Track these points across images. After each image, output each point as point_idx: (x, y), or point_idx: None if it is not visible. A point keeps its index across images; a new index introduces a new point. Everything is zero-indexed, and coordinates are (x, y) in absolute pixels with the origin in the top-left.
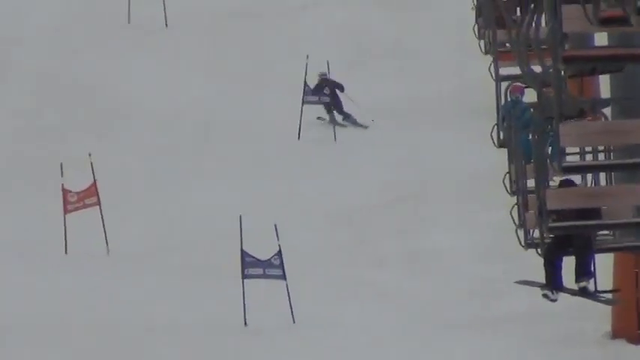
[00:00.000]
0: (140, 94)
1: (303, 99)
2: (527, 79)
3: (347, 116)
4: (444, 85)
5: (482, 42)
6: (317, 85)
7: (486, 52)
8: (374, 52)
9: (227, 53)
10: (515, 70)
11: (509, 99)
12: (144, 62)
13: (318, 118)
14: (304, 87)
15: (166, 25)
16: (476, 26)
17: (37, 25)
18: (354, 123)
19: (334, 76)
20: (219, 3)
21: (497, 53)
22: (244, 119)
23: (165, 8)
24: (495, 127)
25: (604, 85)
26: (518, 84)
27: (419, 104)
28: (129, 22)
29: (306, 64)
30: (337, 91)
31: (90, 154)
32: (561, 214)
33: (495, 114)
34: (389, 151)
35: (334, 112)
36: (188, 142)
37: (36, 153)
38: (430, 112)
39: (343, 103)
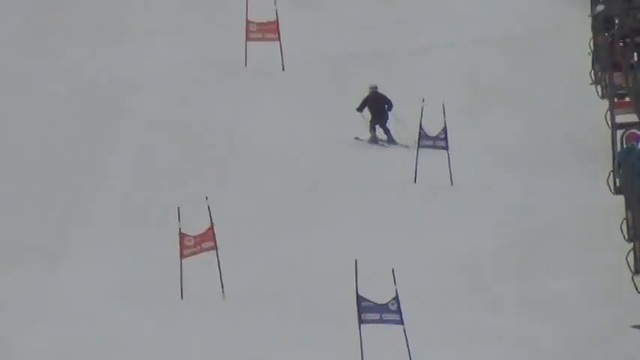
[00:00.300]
0: (257, 138)
1: (419, 142)
2: None
3: (387, 131)
4: (559, 129)
5: (598, 87)
6: (366, 97)
7: (603, 97)
8: (489, 96)
9: (342, 96)
10: (632, 117)
11: (624, 146)
12: (261, 106)
13: (356, 138)
14: (419, 131)
15: (283, 68)
16: (592, 71)
17: (154, 69)
18: (392, 141)
19: (451, 121)
20: (338, 45)
21: (613, 99)
22: (362, 164)
23: (282, 51)
24: (611, 173)
25: None
26: (635, 131)
27: (533, 148)
28: (246, 65)
29: (422, 108)
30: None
31: (207, 198)
32: None
33: (611, 160)
34: (504, 195)
35: (376, 126)
36: (304, 187)
37: (153, 196)
38: (544, 156)
39: (389, 122)
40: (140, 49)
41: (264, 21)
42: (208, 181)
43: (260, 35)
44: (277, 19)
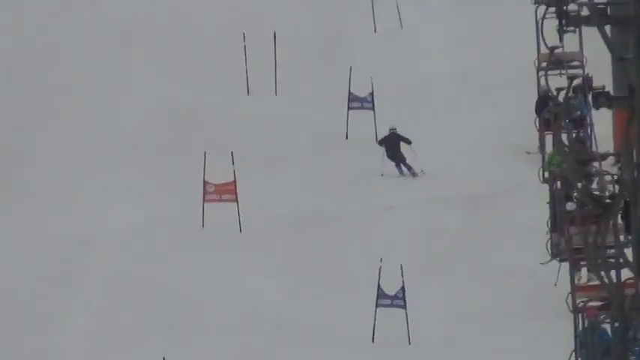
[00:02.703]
0: (213, 298)
1: (377, 302)
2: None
3: (409, 168)
4: (517, 291)
5: (552, 248)
6: (385, 136)
7: (554, 256)
8: (450, 254)
9: (303, 255)
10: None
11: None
12: (220, 267)
13: (382, 175)
14: (377, 290)
15: (240, 229)
16: (549, 240)
17: (111, 228)
18: (410, 169)
19: (408, 283)
20: (296, 206)
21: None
22: (316, 322)
23: (239, 213)
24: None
25: None
26: (593, 306)
27: (492, 306)
28: (203, 227)
29: (380, 268)
30: (401, 145)
31: (164, 358)
32: None
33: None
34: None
35: (401, 165)
36: (260, 346)
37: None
38: (504, 313)
39: (407, 157)
40: (98, 207)
41: (222, 182)
42: (165, 341)
43: (217, 196)
44: (235, 180)
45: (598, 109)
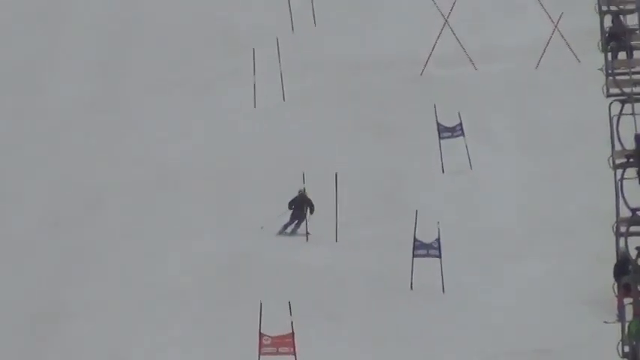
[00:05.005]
0: None
1: None
2: None
3: (297, 228)
4: None
5: None
6: (295, 197)
7: None
8: None
9: None
10: None
11: None
12: None
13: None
14: None
15: None
16: None
17: None
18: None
19: None
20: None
21: None
22: None
23: None
24: None
25: None
26: None
27: None
28: None
29: None
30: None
31: None
32: None
33: None
34: None
35: (296, 222)
36: None
37: None
38: None
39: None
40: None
41: (278, 334)
42: None
43: (274, 349)
44: (292, 332)
45: None
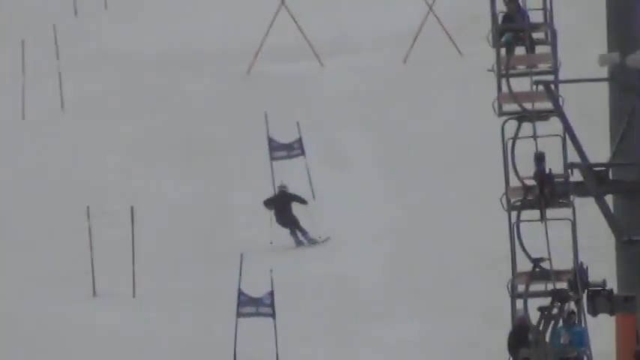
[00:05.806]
0: None
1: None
2: None
3: (304, 232)
4: None
5: None
6: (275, 196)
7: None
8: None
9: None
10: None
11: None
12: None
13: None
14: None
15: None
16: None
17: None
18: (310, 240)
19: None
20: None
21: None
22: None
23: None
24: None
25: None
26: None
27: None
28: None
29: None
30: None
31: None
32: None
33: None
34: None
35: (296, 231)
36: None
37: None
38: None
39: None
40: None
41: None
42: None
43: None
44: None
45: (595, 315)
